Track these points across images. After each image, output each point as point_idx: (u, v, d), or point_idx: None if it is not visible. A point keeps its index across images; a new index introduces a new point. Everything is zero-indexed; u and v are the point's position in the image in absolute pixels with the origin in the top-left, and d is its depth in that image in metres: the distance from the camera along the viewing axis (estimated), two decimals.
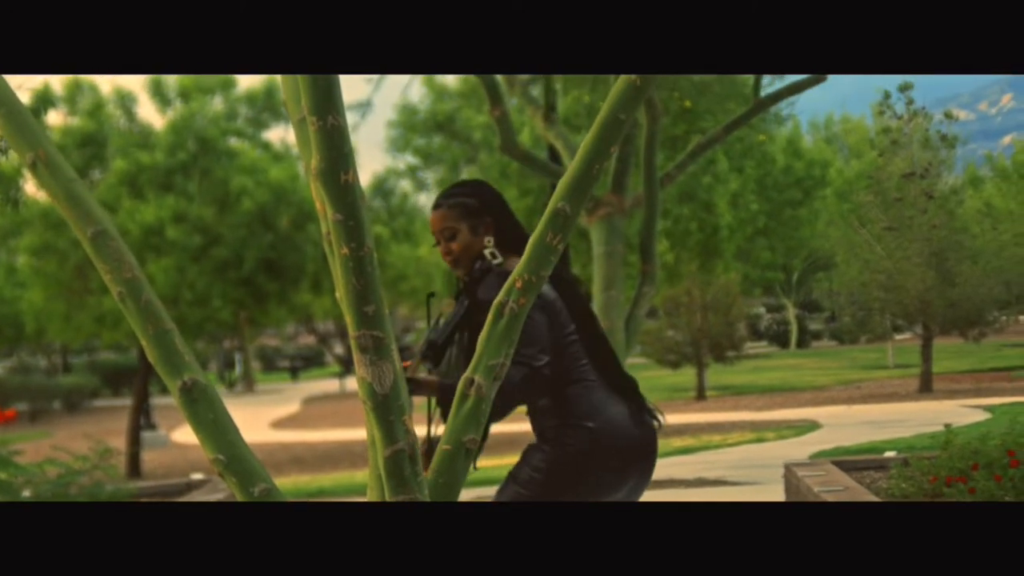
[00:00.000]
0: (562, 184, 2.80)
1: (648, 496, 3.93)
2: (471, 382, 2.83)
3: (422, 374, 3.74)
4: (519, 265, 2.83)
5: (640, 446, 3.76)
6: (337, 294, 2.75)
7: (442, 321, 3.86)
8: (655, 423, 3.85)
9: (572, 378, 3.72)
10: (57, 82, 16.99)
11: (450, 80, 29.89)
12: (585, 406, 3.70)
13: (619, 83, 2.73)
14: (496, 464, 9.10)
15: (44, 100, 15.17)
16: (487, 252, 3.84)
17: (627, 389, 3.82)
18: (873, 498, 6.33)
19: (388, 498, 2.72)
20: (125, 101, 17.14)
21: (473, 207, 3.90)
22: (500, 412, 3.58)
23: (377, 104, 14.67)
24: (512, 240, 3.90)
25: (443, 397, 3.57)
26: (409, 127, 31.62)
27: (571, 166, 2.80)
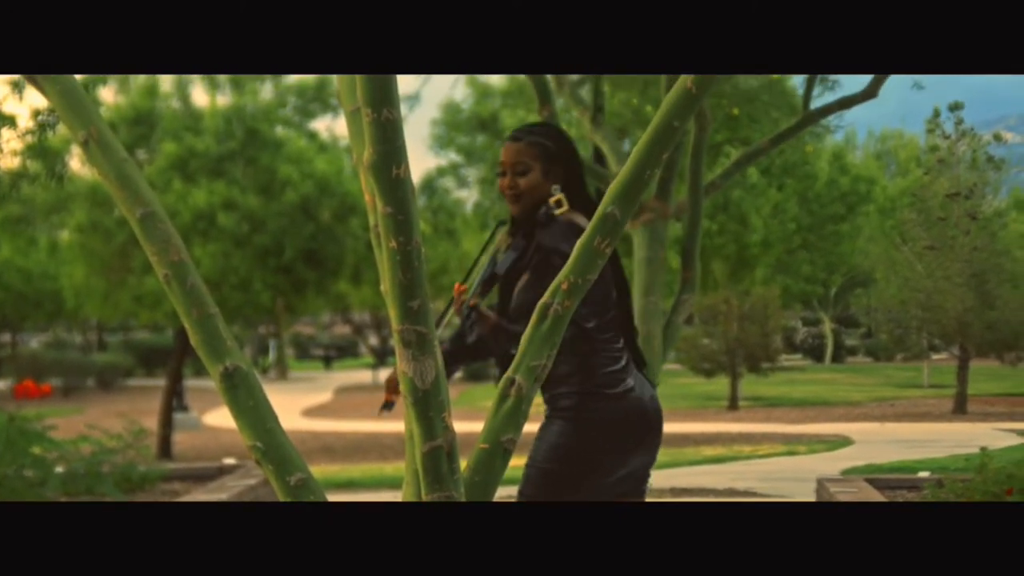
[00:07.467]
0: (612, 189, 2.78)
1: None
2: (512, 382, 2.81)
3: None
4: (565, 268, 2.81)
5: (654, 417, 3.78)
6: (382, 287, 2.74)
7: (499, 256, 3.82)
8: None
9: (599, 348, 3.73)
10: None
11: (494, 79, 29.89)
12: (609, 375, 3.70)
13: (674, 90, 2.71)
14: None
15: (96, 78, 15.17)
16: (552, 200, 3.79)
17: (639, 363, 3.84)
18: None
19: (424, 494, 2.72)
20: (182, 83, 17.18)
21: (551, 151, 3.84)
22: None
23: (420, 100, 14.65)
24: (575, 196, 3.83)
25: (495, 335, 3.60)
26: (453, 125, 31.64)
27: (622, 171, 2.78)
